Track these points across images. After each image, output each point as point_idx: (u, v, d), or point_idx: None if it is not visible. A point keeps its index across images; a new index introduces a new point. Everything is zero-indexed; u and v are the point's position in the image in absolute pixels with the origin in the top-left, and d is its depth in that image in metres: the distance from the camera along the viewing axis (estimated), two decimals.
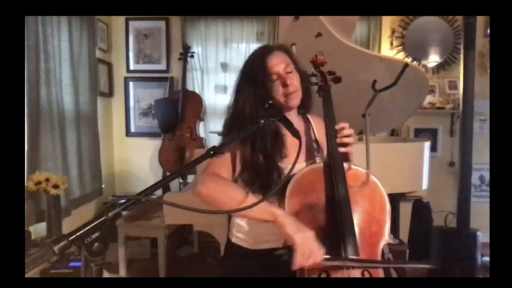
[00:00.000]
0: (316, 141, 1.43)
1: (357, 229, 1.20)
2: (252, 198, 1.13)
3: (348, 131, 1.28)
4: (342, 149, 1.28)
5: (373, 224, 1.24)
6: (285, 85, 1.28)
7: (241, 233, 1.39)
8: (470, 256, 2.86)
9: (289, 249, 1.13)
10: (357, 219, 1.21)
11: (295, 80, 1.30)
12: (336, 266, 1.15)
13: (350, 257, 1.14)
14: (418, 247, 3.30)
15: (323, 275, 1.15)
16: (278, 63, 1.29)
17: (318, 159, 1.39)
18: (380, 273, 1.19)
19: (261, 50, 1.34)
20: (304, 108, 1.43)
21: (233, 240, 1.42)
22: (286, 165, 1.29)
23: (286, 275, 1.17)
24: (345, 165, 1.28)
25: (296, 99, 1.32)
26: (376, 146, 2.51)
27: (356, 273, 1.16)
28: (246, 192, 1.17)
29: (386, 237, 1.24)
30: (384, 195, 1.28)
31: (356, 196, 1.24)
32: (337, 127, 1.29)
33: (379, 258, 1.22)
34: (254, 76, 1.28)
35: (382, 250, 1.24)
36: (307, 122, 1.45)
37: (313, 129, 1.45)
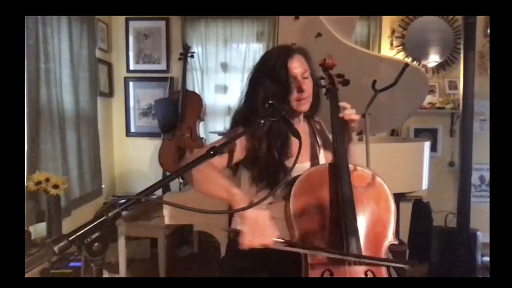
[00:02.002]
0: (318, 144, 1.45)
1: (360, 229, 1.20)
2: (234, 190, 1.15)
3: (351, 110, 1.32)
4: (352, 125, 1.32)
5: (377, 225, 1.25)
6: (300, 90, 1.30)
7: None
8: (470, 256, 2.86)
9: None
10: (361, 219, 1.22)
11: (310, 86, 1.32)
12: (338, 265, 1.16)
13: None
14: (418, 247, 3.30)
15: (326, 274, 1.16)
16: (297, 67, 1.30)
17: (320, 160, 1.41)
18: (383, 273, 1.20)
19: (283, 50, 1.34)
20: (311, 112, 1.45)
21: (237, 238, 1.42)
22: (291, 164, 1.29)
23: (289, 271, 1.17)
24: (351, 166, 1.30)
25: (307, 105, 1.35)
26: (376, 146, 2.51)
27: (359, 272, 1.17)
28: (230, 183, 1.18)
29: (390, 238, 1.25)
30: (389, 196, 1.29)
31: (361, 196, 1.25)
32: (341, 104, 1.33)
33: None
34: (276, 73, 1.29)
35: (387, 250, 1.25)
36: (310, 124, 1.48)
37: (315, 131, 1.47)
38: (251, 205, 1.03)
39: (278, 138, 1.29)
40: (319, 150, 1.43)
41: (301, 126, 1.40)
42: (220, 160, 1.26)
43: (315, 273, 1.16)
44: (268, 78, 1.29)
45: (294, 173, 1.30)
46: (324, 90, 1.44)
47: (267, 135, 1.28)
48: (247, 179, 1.34)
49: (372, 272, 1.18)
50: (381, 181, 1.30)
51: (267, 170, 1.28)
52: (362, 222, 1.22)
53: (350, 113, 1.31)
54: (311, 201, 1.24)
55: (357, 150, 1.43)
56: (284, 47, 1.37)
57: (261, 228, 1.08)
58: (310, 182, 1.26)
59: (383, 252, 1.23)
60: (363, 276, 1.17)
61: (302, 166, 1.33)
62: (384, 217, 1.26)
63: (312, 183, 1.26)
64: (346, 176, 1.24)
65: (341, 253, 1.16)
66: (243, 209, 1.33)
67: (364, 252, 1.18)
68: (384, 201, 1.28)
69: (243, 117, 1.31)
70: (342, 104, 1.34)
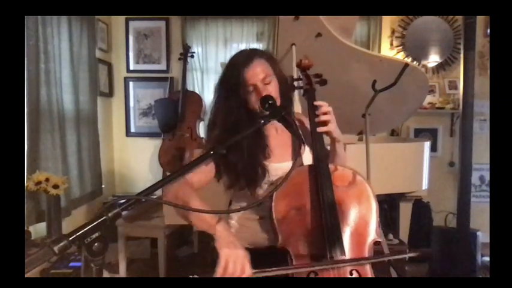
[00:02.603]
0: (302, 141, 1.42)
1: (343, 229, 1.22)
2: (198, 204, 1.16)
3: (326, 108, 1.28)
4: (322, 129, 1.28)
5: (360, 223, 1.25)
6: (260, 96, 1.25)
7: (235, 232, 1.38)
8: (470, 256, 2.86)
9: None
10: (343, 219, 1.23)
11: (273, 91, 1.27)
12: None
13: (337, 258, 1.16)
14: (418, 247, 3.30)
15: (311, 275, 1.17)
16: (256, 74, 1.26)
17: (304, 158, 1.38)
18: (368, 270, 1.21)
19: (241, 58, 1.29)
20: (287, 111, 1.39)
21: None
22: (270, 163, 1.30)
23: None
24: (331, 166, 1.29)
25: None
26: (376, 146, 2.51)
27: (344, 273, 1.18)
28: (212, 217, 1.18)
29: (373, 236, 1.25)
30: (370, 194, 1.29)
31: (343, 196, 1.25)
32: (316, 103, 1.30)
33: (366, 256, 1.23)
34: (231, 87, 1.27)
35: (372, 248, 1.25)
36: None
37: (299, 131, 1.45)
38: (244, 208, 1.04)
39: (255, 138, 1.28)
40: (304, 148, 1.38)
41: (278, 125, 1.28)
42: (199, 178, 1.26)
43: (300, 275, 1.18)
44: (227, 91, 1.28)
45: (276, 173, 1.30)
46: (301, 91, 1.43)
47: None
48: (225, 181, 1.33)
49: (357, 271, 1.19)
50: (361, 179, 1.30)
51: (243, 171, 1.27)
52: (345, 222, 1.23)
53: (324, 111, 1.28)
54: (293, 204, 1.24)
55: (343, 151, 1.39)
56: (243, 54, 1.32)
57: (234, 268, 1.09)
58: (291, 185, 1.24)
59: (367, 250, 1.23)
60: (348, 275, 1.18)
61: (280, 166, 1.31)
62: (366, 215, 1.26)
63: (293, 185, 1.25)
64: (326, 177, 1.24)
65: (324, 263, 1.17)
66: (243, 209, 1.33)
67: (348, 251, 1.19)
68: (366, 199, 1.28)
69: (211, 130, 1.32)
70: (316, 102, 1.30)
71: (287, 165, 1.32)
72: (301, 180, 1.27)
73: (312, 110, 1.32)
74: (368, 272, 1.21)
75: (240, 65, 1.26)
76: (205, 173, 1.28)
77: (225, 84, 1.30)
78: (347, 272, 1.18)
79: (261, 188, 1.31)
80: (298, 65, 1.44)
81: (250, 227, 1.36)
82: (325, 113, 1.28)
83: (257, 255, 1.23)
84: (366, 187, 1.29)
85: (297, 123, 1.42)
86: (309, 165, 1.30)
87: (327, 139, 1.33)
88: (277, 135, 1.37)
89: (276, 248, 1.23)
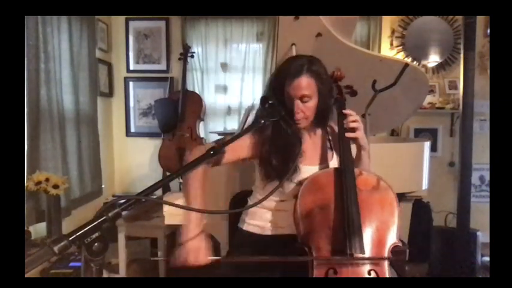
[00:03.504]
0: (331, 148, 1.49)
1: (364, 231, 1.25)
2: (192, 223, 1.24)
3: (355, 117, 1.37)
4: (350, 134, 1.37)
5: (381, 227, 1.29)
6: (293, 111, 1.33)
7: (257, 219, 1.47)
8: (470, 256, 2.86)
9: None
10: (365, 221, 1.27)
11: (309, 107, 1.34)
12: (342, 264, 1.21)
13: (357, 256, 1.20)
14: (418, 247, 3.30)
15: (330, 271, 1.21)
16: (298, 90, 1.31)
17: (330, 164, 1.46)
18: (386, 271, 1.24)
19: (293, 66, 1.34)
20: (319, 126, 1.47)
21: (244, 227, 1.49)
22: (301, 164, 1.38)
23: (290, 271, 1.23)
24: (356, 170, 1.35)
25: (303, 124, 1.38)
26: (376, 146, 2.50)
27: (363, 272, 1.21)
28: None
29: (394, 240, 1.29)
30: (394, 199, 1.34)
31: (365, 200, 1.30)
32: (345, 112, 1.39)
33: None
34: (276, 87, 1.36)
35: (391, 251, 1.29)
36: (324, 130, 1.51)
37: (329, 137, 1.51)
38: (259, 201, 1.10)
39: (291, 138, 1.31)
40: (332, 154, 1.48)
41: (312, 131, 1.46)
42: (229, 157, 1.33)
43: (320, 273, 1.21)
44: (274, 91, 1.35)
45: (303, 175, 1.37)
46: (332, 100, 1.48)
47: (279, 135, 1.32)
48: (259, 174, 1.43)
49: (375, 272, 1.22)
50: (385, 185, 1.36)
51: (275, 168, 1.34)
52: (366, 224, 1.27)
53: (352, 119, 1.36)
54: (317, 203, 1.30)
55: (368, 159, 1.47)
56: (297, 63, 1.35)
57: (195, 250, 1.19)
58: (316, 185, 1.33)
59: (386, 254, 1.27)
60: (366, 275, 1.21)
61: (311, 169, 1.40)
62: (388, 220, 1.31)
63: (318, 186, 1.33)
64: (351, 180, 1.29)
65: (331, 259, 1.22)
66: (246, 208, 1.37)
67: (368, 252, 1.23)
68: (389, 204, 1.33)
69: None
70: (345, 111, 1.39)
71: (316, 168, 1.42)
72: (327, 181, 1.34)
73: (340, 118, 1.41)
74: (386, 273, 1.24)
75: (290, 74, 1.32)
76: (238, 152, 1.36)
77: (272, 84, 1.39)
78: (365, 271, 1.22)
79: (291, 183, 1.38)
80: (331, 77, 1.48)
81: (269, 217, 1.45)
82: (354, 121, 1.37)
83: (268, 244, 1.32)
84: (389, 193, 1.35)
85: (330, 130, 1.51)
86: (335, 168, 1.38)
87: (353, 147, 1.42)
88: (310, 140, 1.45)
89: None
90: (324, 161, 1.46)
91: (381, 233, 1.28)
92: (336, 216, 1.27)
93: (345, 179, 1.30)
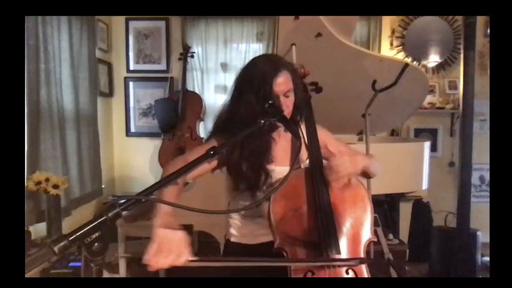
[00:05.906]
0: (306, 147, 1.43)
1: (339, 229, 1.24)
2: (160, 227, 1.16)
3: (329, 170, 1.28)
4: (339, 181, 1.30)
5: (355, 224, 1.28)
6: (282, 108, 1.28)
7: (236, 230, 1.44)
8: (470, 256, 2.86)
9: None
10: (338, 220, 1.25)
11: (290, 104, 1.31)
12: (318, 267, 1.19)
13: (333, 257, 1.18)
14: (418, 247, 3.31)
15: (308, 275, 1.19)
16: (281, 85, 1.27)
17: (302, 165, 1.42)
18: (363, 270, 1.22)
19: (269, 65, 1.29)
20: (295, 122, 1.41)
21: (232, 239, 1.46)
22: (273, 167, 1.33)
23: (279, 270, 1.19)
24: None
25: None
26: (376, 146, 2.51)
27: (341, 272, 1.19)
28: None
29: (369, 236, 1.28)
30: (366, 195, 1.32)
31: (338, 197, 1.28)
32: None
33: (362, 256, 1.25)
34: (258, 88, 1.25)
35: (368, 248, 1.28)
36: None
37: (303, 135, 1.46)
38: (242, 208, 1.05)
39: (259, 141, 1.29)
40: (305, 151, 1.41)
41: (280, 130, 1.34)
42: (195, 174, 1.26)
43: (298, 274, 1.19)
44: (253, 94, 1.26)
45: (278, 176, 1.33)
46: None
47: (248, 139, 1.26)
48: (228, 182, 1.38)
49: (353, 271, 1.20)
50: (356, 181, 1.34)
51: (247, 173, 1.29)
52: (340, 223, 1.25)
53: (328, 175, 1.27)
54: (290, 206, 1.27)
55: (376, 167, 1.42)
56: (272, 61, 1.32)
57: (171, 249, 1.08)
58: (287, 187, 1.26)
59: (362, 250, 1.25)
60: (344, 275, 1.20)
61: (285, 169, 1.29)
62: (361, 216, 1.29)
63: (290, 187, 1.28)
64: (321, 180, 1.27)
65: (304, 260, 1.19)
66: (246, 208, 1.34)
67: (344, 251, 1.21)
68: (361, 200, 1.31)
69: (227, 127, 1.32)
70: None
71: (288, 169, 1.31)
72: (298, 183, 1.30)
73: (308, 116, 1.38)
74: (363, 271, 1.22)
75: (270, 72, 1.26)
76: (204, 169, 1.30)
77: (251, 84, 1.28)
78: (343, 271, 1.20)
79: (261, 190, 1.33)
80: None
81: (251, 225, 1.40)
82: (330, 174, 1.27)
83: (257, 252, 1.25)
84: (360, 189, 1.33)
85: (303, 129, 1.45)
86: (306, 168, 1.34)
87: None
88: (279, 139, 1.39)
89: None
90: (292, 160, 1.36)
91: (356, 230, 1.27)
92: (309, 217, 1.25)
93: (315, 179, 1.27)
